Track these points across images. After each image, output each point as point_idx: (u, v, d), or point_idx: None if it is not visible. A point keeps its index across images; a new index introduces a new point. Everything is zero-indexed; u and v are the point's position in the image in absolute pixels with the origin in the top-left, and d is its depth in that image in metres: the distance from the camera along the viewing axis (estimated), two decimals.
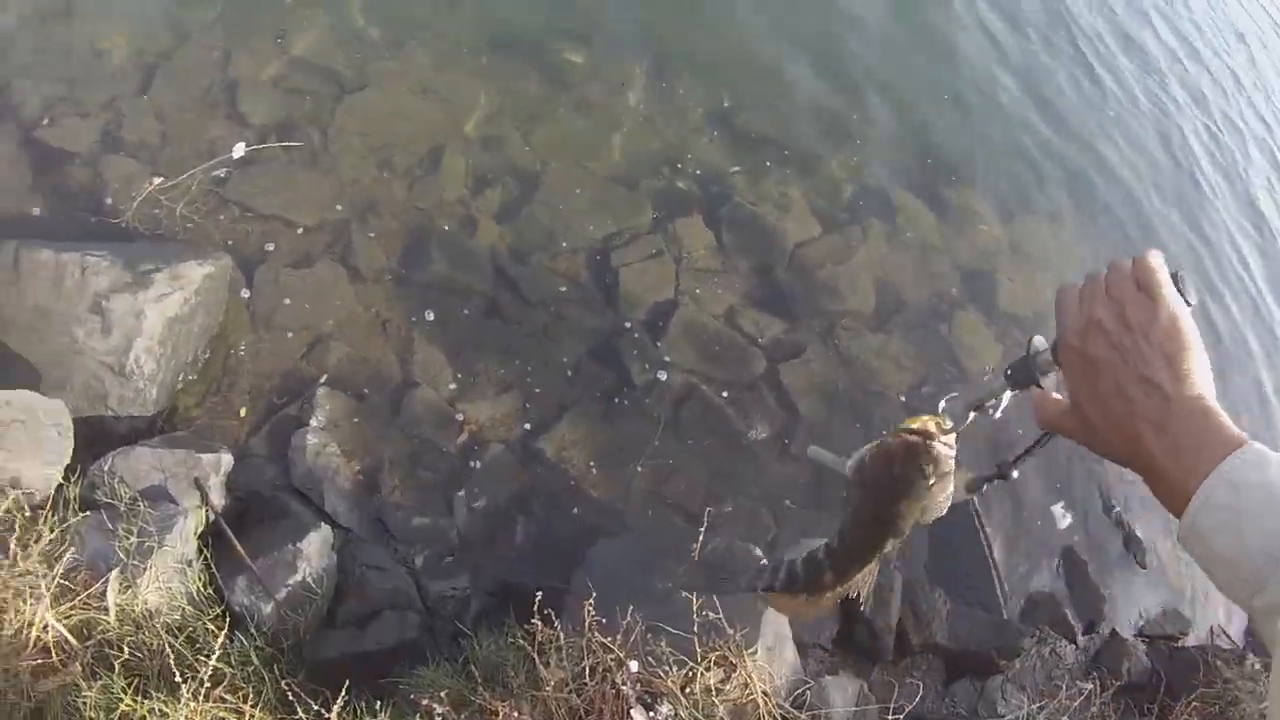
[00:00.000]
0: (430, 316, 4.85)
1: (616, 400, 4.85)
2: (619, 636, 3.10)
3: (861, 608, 3.96)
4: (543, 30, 6.44)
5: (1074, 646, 5.03)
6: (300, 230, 4.94)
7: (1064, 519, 5.63)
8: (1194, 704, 4.51)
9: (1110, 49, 9.64)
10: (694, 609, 3.25)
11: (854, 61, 7.42)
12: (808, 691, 3.78)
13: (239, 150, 5.01)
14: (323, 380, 4.43)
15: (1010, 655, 4.61)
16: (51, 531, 2.99)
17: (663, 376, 4.98)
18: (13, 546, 2.90)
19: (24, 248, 3.99)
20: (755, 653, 3.51)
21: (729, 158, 6.34)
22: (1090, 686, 4.70)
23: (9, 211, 4.57)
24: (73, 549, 2.96)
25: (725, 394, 5.07)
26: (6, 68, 5.15)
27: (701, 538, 3.75)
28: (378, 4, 6.19)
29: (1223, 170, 9.28)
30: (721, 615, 3.35)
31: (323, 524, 3.78)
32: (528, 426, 4.62)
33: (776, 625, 3.78)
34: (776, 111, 6.79)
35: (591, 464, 4.59)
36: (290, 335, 4.57)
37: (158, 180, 4.75)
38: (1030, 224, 7.21)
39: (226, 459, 3.75)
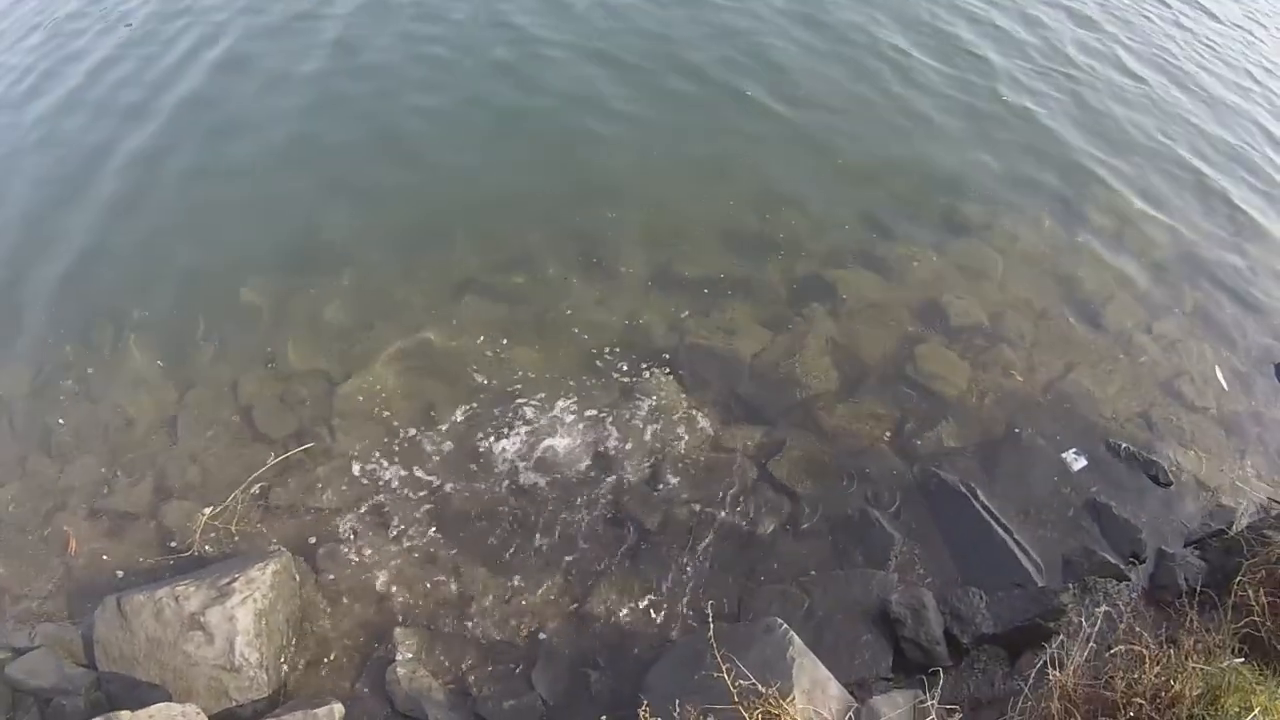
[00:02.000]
0: (463, 540, 5.69)
1: (637, 549, 5.59)
2: None
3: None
4: (480, 270, 7.39)
5: (1126, 583, 5.38)
6: (337, 514, 5.86)
7: (1077, 462, 6.08)
8: (1259, 572, 4.78)
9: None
10: (729, 681, 3.94)
11: (754, 175, 8.40)
12: (853, 714, 4.36)
13: (279, 459, 6.09)
14: (398, 623, 5.28)
15: (1053, 616, 5.02)
16: None
17: (669, 514, 5.73)
18: None
19: (122, 597, 4.97)
20: (794, 699, 4.16)
21: (677, 306, 7.13)
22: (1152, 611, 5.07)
23: (100, 577, 5.59)
24: None
25: (727, 507, 5.79)
26: (54, 454, 6.29)
27: None
28: (339, 298, 7.20)
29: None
30: (752, 679, 4.02)
31: None
32: (572, 599, 5.37)
33: (812, 672, 4.39)
34: (706, 250, 7.63)
35: (633, 607, 5.31)
36: (359, 597, 5.44)
37: (209, 510, 5.78)
38: (964, 242, 7.87)
39: (338, 708, 4.64)
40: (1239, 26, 12.93)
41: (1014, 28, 11.28)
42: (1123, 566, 5.46)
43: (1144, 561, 5.55)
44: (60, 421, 6.49)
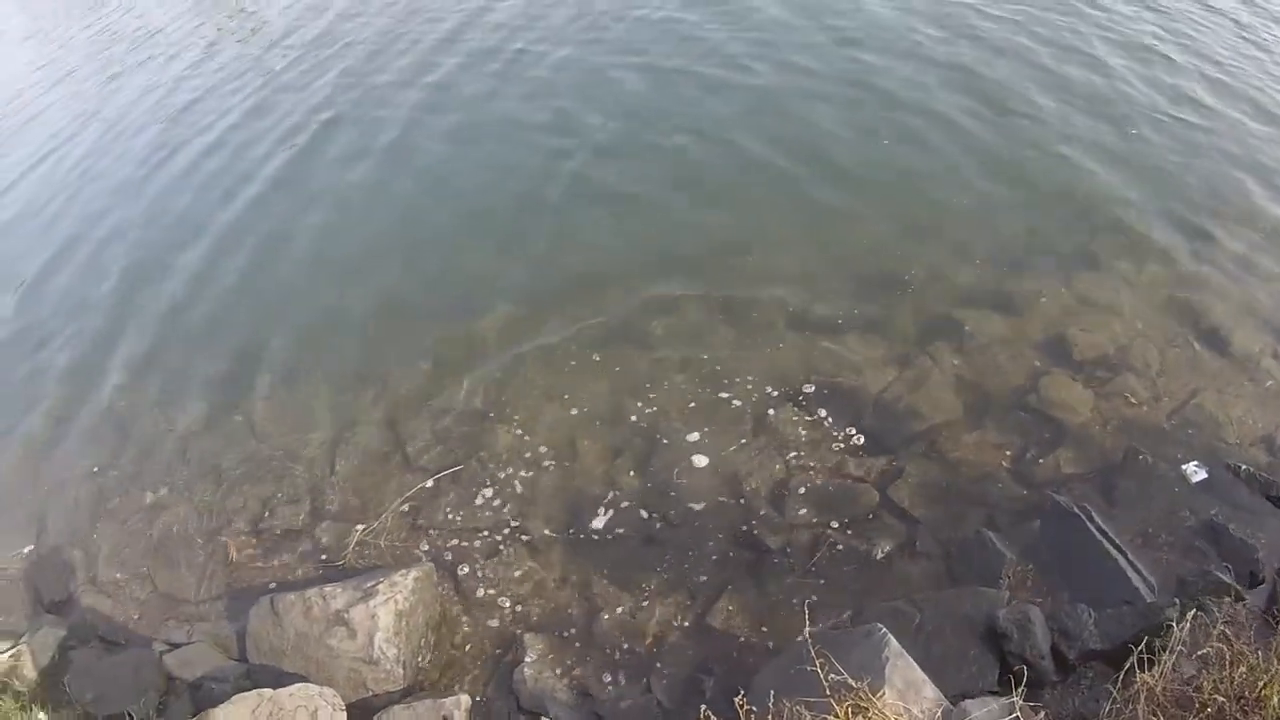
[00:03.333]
0: (596, 557, 6.38)
1: (759, 569, 6.13)
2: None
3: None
4: (629, 313, 8.36)
5: (1242, 602, 5.54)
6: (478, 532, 6.72)
7: (1197, 474, 6.26)
8: None
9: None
10: (822, 676, 4.37)
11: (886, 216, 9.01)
12: (942, 714, 4.78)
13: (429, 482, 7.01)
14: (528, 629, 5.99)
15: (1157, 632, 5.24)
16: None
17: (792, 537, 6.28)
18: None
19: (275, 595, 5.90)
20: (884, 695, 4.59)
21: (812, 346, 7.74)
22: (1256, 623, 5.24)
23: (256, 584, 6.59)
24: None
25: (848, 530, 6.30)
26: (221, 482, 7.44)
27: None
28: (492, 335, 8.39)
29: None
30: (845, 674, 4.43)
31: None
32: (694, 613, 5.95)
33: (906, 673, 4.84)
34: (838, 293, 8.22)
35: (750, 621, 5.84)
36: (492, 606, 6.20)
37: (360, 528, 6.72)
38: (1091, 276, 8.12)
39: (464, 699, 5.39)
40: None
41: (1135, 65, 11.36)
42: (1238, 586, 5.63)
43: (1262, 582, 5.69)
44: (228, 454, 7.72)
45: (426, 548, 6.70)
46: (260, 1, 18.57)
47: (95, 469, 7.91)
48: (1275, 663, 4.33)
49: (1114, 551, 5.85)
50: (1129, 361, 7.25)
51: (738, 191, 9.76)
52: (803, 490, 6.61)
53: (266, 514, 7.18)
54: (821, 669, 4.41)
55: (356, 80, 13.75)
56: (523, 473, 7.09)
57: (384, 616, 5.72)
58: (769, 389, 7.42)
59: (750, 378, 7.54)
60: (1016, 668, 5.21)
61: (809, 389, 7.36)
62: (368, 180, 11.08)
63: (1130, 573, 5.74)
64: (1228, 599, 5.50)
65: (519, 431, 7.41)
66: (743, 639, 5.79)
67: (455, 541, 6.72)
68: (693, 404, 7.40)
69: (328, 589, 5.92)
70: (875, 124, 10.44)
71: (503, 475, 7.10)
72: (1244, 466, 6.31)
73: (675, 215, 9.53)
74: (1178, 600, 5.51)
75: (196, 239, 10.62)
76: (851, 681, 4.43)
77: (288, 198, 11.03)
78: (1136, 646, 5.04)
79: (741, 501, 6.63)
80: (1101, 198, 9.00)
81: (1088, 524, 6.00)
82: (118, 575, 7.01)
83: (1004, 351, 7.48)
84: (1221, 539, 5.94)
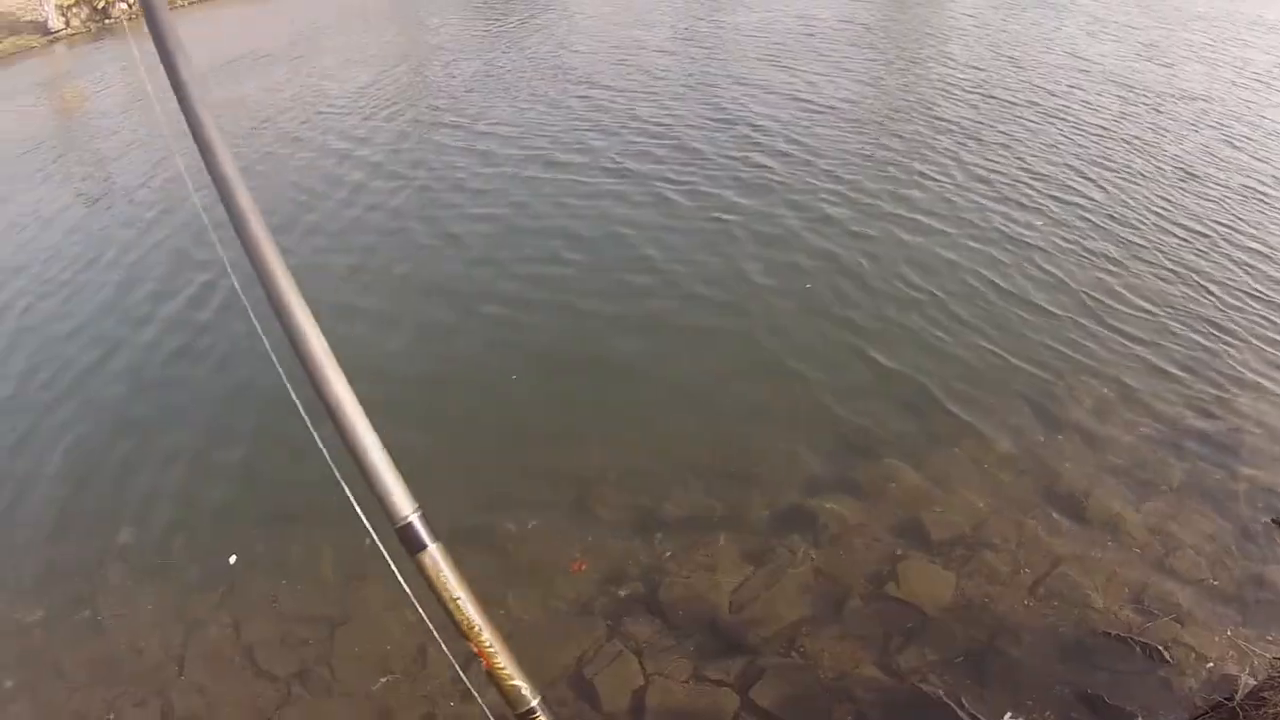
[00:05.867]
0: None
1: None
2: None
3: None
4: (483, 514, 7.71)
5: None
6: None
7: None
8: None
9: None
10: None
11: (731, 408, 8.76)
12: None
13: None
14: None
15: None
16: None
17: None
18: None
19: None
20: None
21: (661, 545, 7.25)
22: None
23: None
24: None
25: None
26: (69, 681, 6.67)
27: None
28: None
29: None
30: None
31: None
32: None
33: None
34: (689, 487, 7.79)
35: None
36: None
37: None
38: (941, 454, 7.92)
39: None
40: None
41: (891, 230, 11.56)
42: None
43: None
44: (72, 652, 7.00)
45: None
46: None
47: None
48: None
49: None
50: (987, 538, 6.99)
51: (572, 383, 9.47)
52: (659, 697, 6.01)
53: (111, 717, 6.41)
54: None
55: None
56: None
57: None
58: (618, 590, 6.89)
59: (595, 580, 7.01)
60: None
61: (661, 590, 6.84)
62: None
63: None
64: None
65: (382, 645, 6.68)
66: None
67: None
68: (551, 620, 6.76)
69: None
70: (706, 317, 10.36)
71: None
72: (1115, 632, 5.97)
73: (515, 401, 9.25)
74: None
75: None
76: None
77: None
78: None
79: (597, 713, 5.97)
80: (938, 378, 8.97)
81: (959, 712, 5.51)
82: None
83: (859, 539, 7.13)
84: (1098, 709, 5.51)
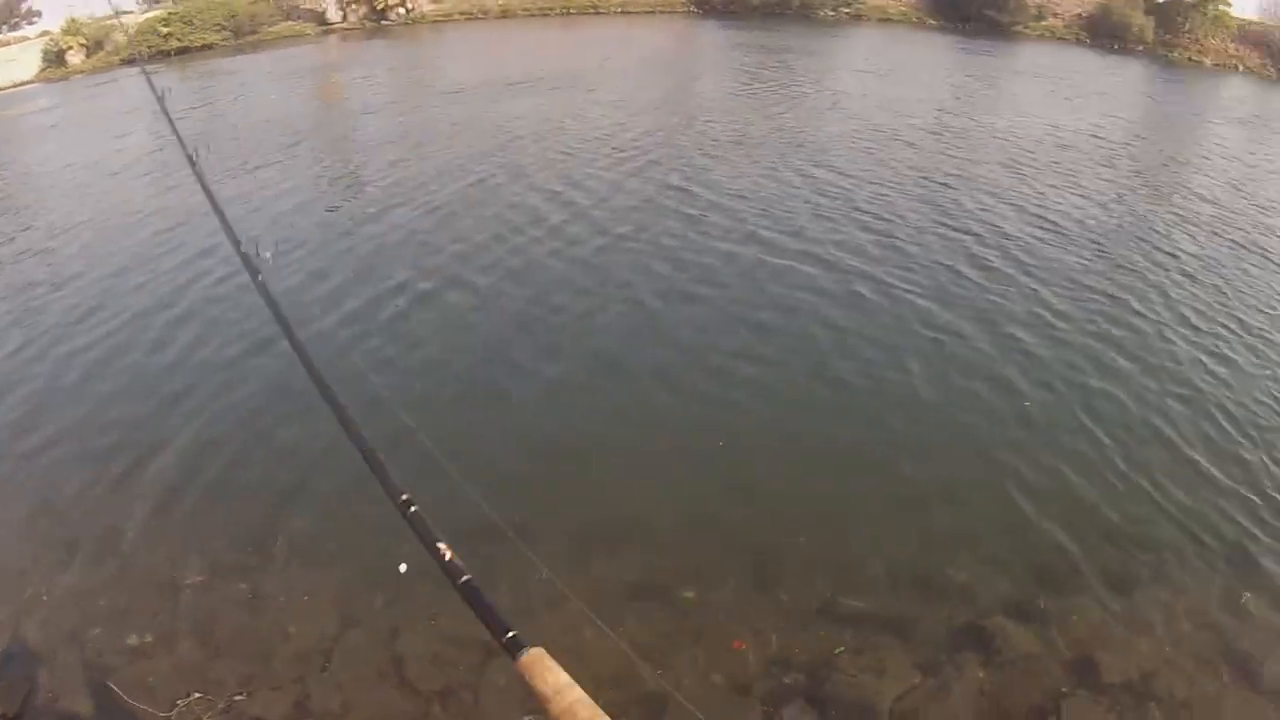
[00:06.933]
0: None
1: None
2: None
3: None
4: (666, 576, 8.20)
5: None
6: None
7: None
8: None
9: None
10: None
11: (928, 519, 9.06)
12: None
13: None
14: None
15: None
16: None
17: None
18: None
19: None
20: None
21: (834, 642, 7.58)
22: None
23: None
24: None
25: None
26: (209, 646, 7.32)
27: None
28: None
29: None
30: None
31: None
32: None
33: None
34: (874, 586, 8.16)
35: None
36: None
37: None
38: (1126, 597, 8.05)
39: None
40: None
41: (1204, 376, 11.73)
42: None
43: None
44: (221, 620, 7.61)
45: None
46: None
47: (81, 594, 7.93)
48: None
49: None
50: (1154, 691, 7.12)
51: (802, 459, 9.94)
52: None
53: (243, 694, 6.98)
54: None
55: None
56: None
57: None
58: (783, 677, 7.29)
59: (762, 661, 7.41)
60: None
61: (826, 684, 7.23)
62: None
63: None
64: None
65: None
66: None
67: None
68: (714, 677, 7.23)
69: None
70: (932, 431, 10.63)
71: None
72: None
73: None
74: None
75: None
76: None
77: None
78: None
79: None
80: (1139, 519, 9.06)
81: None
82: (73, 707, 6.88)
83: (1032, 667, 7.37)
84: None
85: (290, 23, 40.24)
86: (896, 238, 15.94)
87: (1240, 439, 10.52)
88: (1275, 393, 11.57)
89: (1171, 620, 7.79)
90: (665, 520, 8.97)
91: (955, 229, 16.46)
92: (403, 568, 7.39)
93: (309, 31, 39.94)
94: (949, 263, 14.95)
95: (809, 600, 8.05)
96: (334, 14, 40.75)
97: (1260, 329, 13.24)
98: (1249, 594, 8.07)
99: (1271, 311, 13.73)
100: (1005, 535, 8.88)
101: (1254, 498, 9.38)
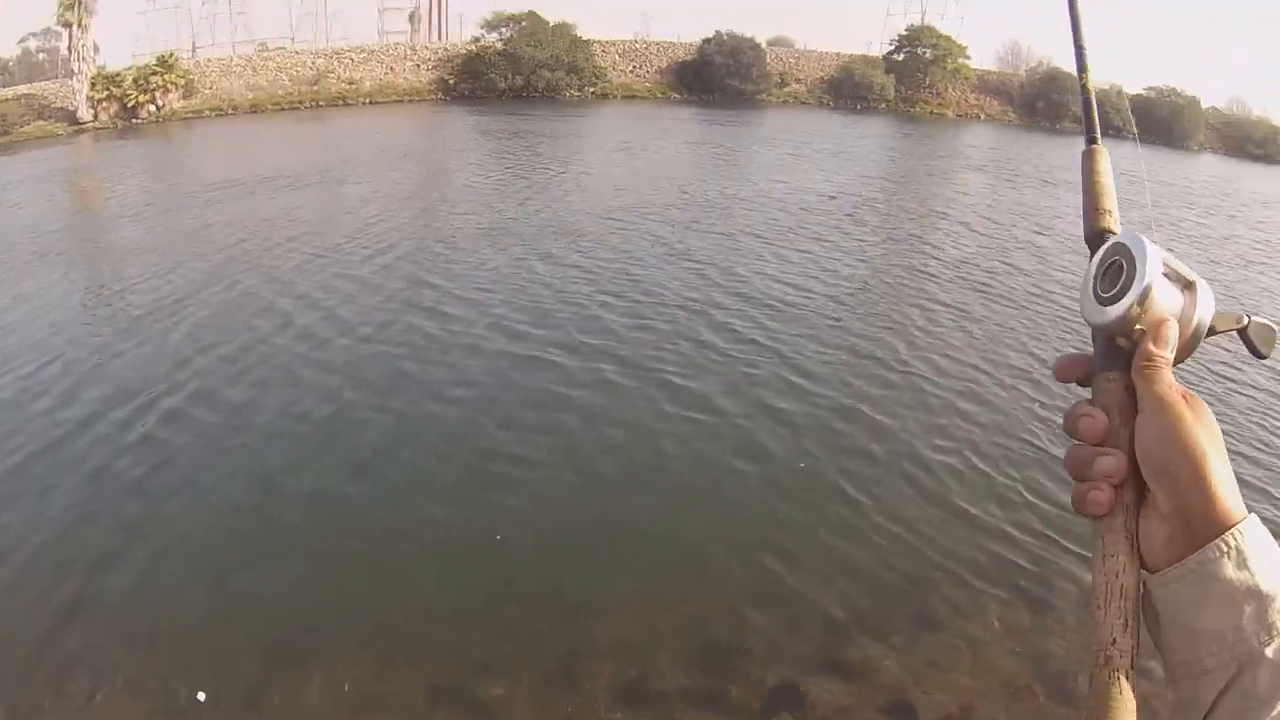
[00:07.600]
0: None
1: None
2: None
3: None
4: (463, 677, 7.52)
5: None
6: None
7: None
8: None
9: None
10: None
11: (723, 586, 8.51)
12: None
13: None
14: None
15: None
16: None
17: None
18: None
19: None
20: None
21: None
22: None
23: None
24: None
25: None
26: None
27: None
28: None
29: None
30: None
31: None
32: None
33: None
34: (676, 662, 7.58)
35: None
36: None
37: None
38: (933, 637, 7.96)
39: None
40: None
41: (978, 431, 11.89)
42: None
43: None
44: None
45: None
46: None
47: None
48: None
49: None
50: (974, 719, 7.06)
51: (575, 548, 9.39)
52: None
53: None
54: None
55: None
56: None
57: None
58: None
59: None
60: None
61: None
62: None
63: None
64: None
65: None
66: None
67: None
68: None
69: None
70: (710, 500, 10.35)
71: None
72: None
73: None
74: None
75: None
76: None
77: None
78: None
79: None
80: (932, 564, 9.08)
81: None
82: None
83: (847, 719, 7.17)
84: None
85: (41, 122, 37.84)
86: (643, 316, 15.80)
87: (996, 475, 10.81)
88: (1026, 425, 12.06)
89: (978, 653, 7.73)
90: (445, 624, 8.18)
91: (702, 301, 16.58)
92: (201, 696, 7.04)
93: (60, 131, 37.93)
94: (697, 336, 14.86)
95: (615, 685, 7.48)
96: (85, 113, 39.38)
97: (1008, 363, 13.97)
98: (1053, 613, 8.23)
99: (1018, 346, 14.63)
100: (805, 595, 8.57)
101: (1013, 531, 9.60)
